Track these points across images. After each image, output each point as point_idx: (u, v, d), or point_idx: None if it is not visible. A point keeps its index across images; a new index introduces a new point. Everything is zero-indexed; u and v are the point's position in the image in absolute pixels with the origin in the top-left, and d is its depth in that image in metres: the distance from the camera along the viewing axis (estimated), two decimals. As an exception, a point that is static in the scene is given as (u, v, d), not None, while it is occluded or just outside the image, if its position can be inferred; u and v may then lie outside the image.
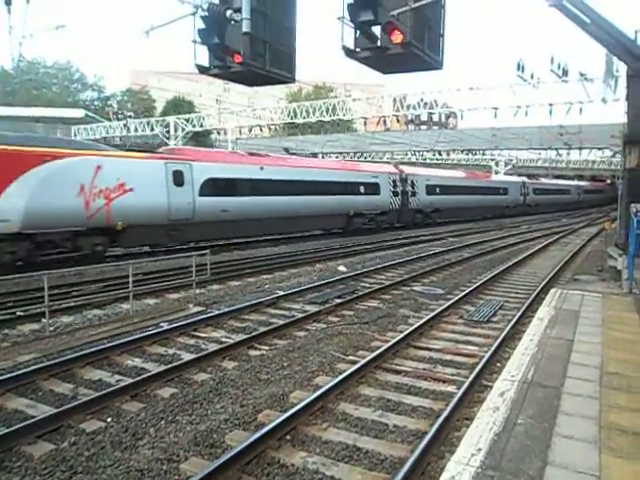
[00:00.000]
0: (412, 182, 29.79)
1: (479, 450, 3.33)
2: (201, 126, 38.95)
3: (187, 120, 39.18)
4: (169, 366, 6.70)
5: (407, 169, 31.60)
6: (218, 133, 45.19)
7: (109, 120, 45.22)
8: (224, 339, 8.16)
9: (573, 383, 4.54)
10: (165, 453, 4.66)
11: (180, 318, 9.26)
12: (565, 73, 22.47)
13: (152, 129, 39.84)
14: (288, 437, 5.00)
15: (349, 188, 24.62)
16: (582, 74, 23.07)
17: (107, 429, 5.10)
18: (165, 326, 8.65)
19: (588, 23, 8.48)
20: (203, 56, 8.50)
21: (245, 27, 7.72)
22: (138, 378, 6.27)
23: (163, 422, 5.30)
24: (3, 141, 13.28)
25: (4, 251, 12.80)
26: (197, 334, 8.46)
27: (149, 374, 6.39)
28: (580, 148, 40.13)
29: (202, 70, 8.60)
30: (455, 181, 35.65)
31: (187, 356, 7.24)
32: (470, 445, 3.41)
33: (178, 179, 16.90)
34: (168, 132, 39.09)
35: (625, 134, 16.31)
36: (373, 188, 26.43)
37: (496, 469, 3.10)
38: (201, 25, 8.02)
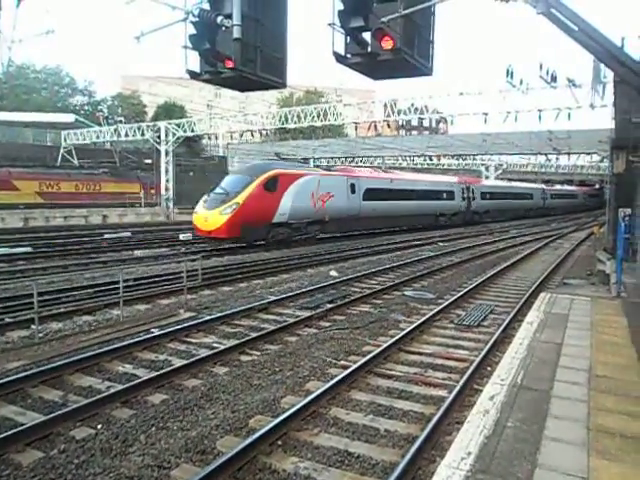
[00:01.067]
0: (472, 190, 37.95)
1: (469, 454, 3.35)
2: (192, 131, 38.85)
3: (178, 125, 39.07)
4: (160, 372, 6.68)
5: (469, 179, 40.56)
6: (209, 138, 45.13)
7: (99, 125, 45.02)
8: (215, 345, 8.14)
9: (562, 386, 4.58)
10: (156, 460, 4.64)
11: (171, 324, 9.23)
12: (554, 79, 22.69)
13: (143, 134, 39.68)
14: (279, 442, 5.00)
15: (438, 195, 33.61)
16: (570, 80, 23.30)
17: (97, 436, 5.07)
18: (156, 332, 8.61)
19: (575, 30, 8.55)
20: (194, 61, 8.49)
21: (236, 33, 7.72)
22: (129, 384, 6.24)
23: (154, 428, 5.27)
24: (276, 167, 22.14)
25: (280, 232, 21.25)
26: (188, 340, 8.43)
27: (140, 380, 6.36)
28: (569, 153, 40.50)
29: (193, 75, 8.58)
30: (498, 189, 44.24)
31: (178, 362, 7.21)
32: (460, 449, 3.43)
33: (353, 189, 25.26)
34: (159, 137, 38.95)
35: (612, 139, 16.53)
36: (450, 195, 35.19)
37: (486, 472, 3.13)
38: (192, 31, 8.01)
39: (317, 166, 35.09)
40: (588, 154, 41.77)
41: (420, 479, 4.42)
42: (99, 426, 5.30)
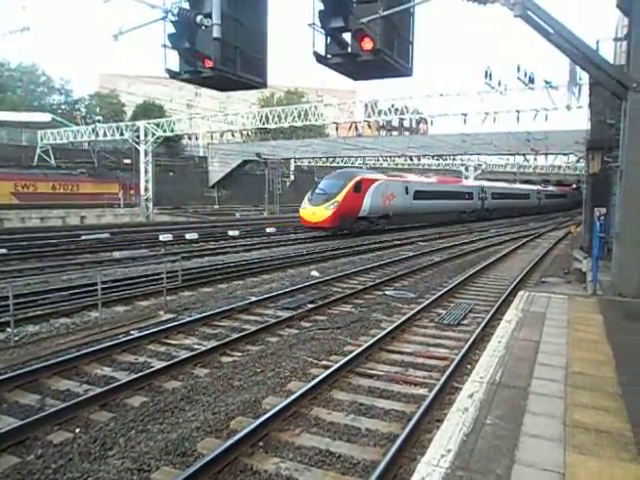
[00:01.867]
0: (485, 191, 44.40)
1: (449, 451, 3.38)
2: (172, 131, 38.52)
3: (157, 125, 38.68)
4: (139, 374, 6.60)
5: (484, 183, 47.43)
6: (189, 138, 44.76)
7: (77, 124, 44.38)
8: (196, 346, 8.08)
9: (539, 383, 4.64)
10: (135, 463, 4.59)
11: (150, 325, 9.13)
12: (531, 81, 23.04)
13: (122, 134, 39.21)
14: (261, 443, 4.98)
15: (462, 196, 40.51)
16: (547, 82, 23.69)
17: (75, 440, 5.00)
18: (135, 334, 8.52)
19: (552, 33, 8.70)
20: (173, 60, 8.43)
21: (215, 32, 7.70)
22: (107, 387, 6.16)
23: (133, 431, 5.21)
24: (359, 173, 29.73)
25: (361, 224, 27.57)
26: (168, 341, 8.35)
27: (119, 383, 6.28)
28: (546, 154, 41.13)
29: (172, 75, 8.53)
30: (505, 190, 50.86)
31: (158, 364, 7.14)
32: (440, 446, 3.45)
33: (407, 191, 32.00)
34: (138, 137, 38.50)
35: (588, 140, 16.86)
36: (470, 196, 41.90)
37: (465, 469, 3.16)
38: (171, 30, 7.95)
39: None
40: (565, 155, 42.46)
41: (401, 477, 4.45)
42: (77, 430, 5.22)
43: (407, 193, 31.98)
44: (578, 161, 41.77)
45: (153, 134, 38.40)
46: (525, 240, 26.41)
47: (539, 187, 61.40)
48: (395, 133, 77.47)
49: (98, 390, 6.11)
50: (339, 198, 25.48)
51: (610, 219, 11.70)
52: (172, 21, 7.88)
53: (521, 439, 3.58)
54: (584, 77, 19.30)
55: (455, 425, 3.77)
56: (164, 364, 7.03)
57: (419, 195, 33.18)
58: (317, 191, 26.89)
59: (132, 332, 8.70)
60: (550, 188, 66.90)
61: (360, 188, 26.98)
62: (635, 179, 8.77)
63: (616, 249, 9.34)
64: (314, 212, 25.46)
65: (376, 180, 29.04)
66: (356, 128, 35.80)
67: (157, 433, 5.20)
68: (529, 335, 6.26)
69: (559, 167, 62.27)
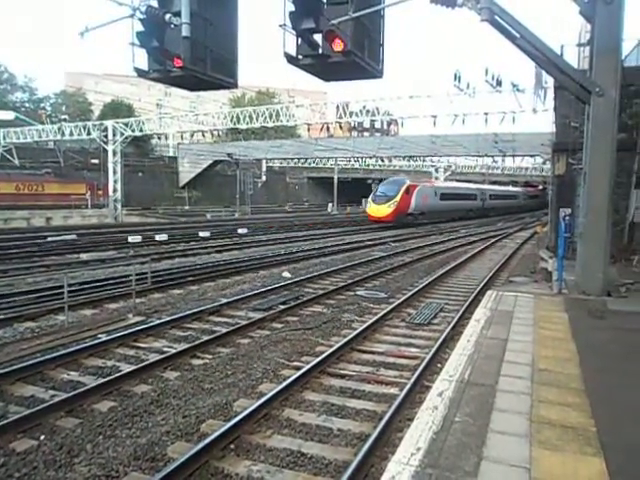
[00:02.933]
0: (484, 192, 52.23)
1: (418, 449, 3.42)
2: (141, 131, 37.89)
3: (126, 124, 38.00)
4: (107, 379, 6.49)
5: (483, 186, 55.48)
6: (159, 138, 44.12)
7: (42, 123, 43.24)
8: (166, 349, 7.96)
9: (507, 381, 4.74)
10: (103, 469, 4.50)
11: (119, 329, 8.96)
12: (499, 84, 23.53)
13: (89, 133, 38.37)
14: (232, 446, 4.95)
15: (470, 197, 48.64)
16: (514, 85, 24.22)
17: (40, 447, 4.87)
18: (103, 337, 8.35)
19: (518, 38, 8.89)
20: (142, 59, 8.29)
21: (185, 31, 7.61)
22: (74, 392, 6.02)
23: (101, 437, 5.11)
24: (407, 181, 37.22)
25: (409, 219, 36.26)
26: (137, 344, 8.22)
27: (86, 388, 6.14)
28: (513, 155, 42.02)
29: (141, 74, 8.39)
30: (498, 192, 58.16)
31: (127, 367, 7.02)
32: (410, 445, 3.49)
33: (435, 193, 40.02)
34: (106, 136, 37.75)
35: (554, 143, 17.28)
36: (474, 197, 49.68)
37: (434, 467, 3.20)
38: (139, 28, 7.82)
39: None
40: (531, 156, 43.44)
41: (373, 477, 4.48)
42: (42, 437, 5.09)
43: (435, 195, 40.47)
44: (544, 163, 42.75)
45: (122, 134, 37.70)
46: (493, 240, 26.91)
47: (522, 189, 69.40)
48: (366, 134, 77.93)
49: (64, 395, 5.96)
50: (397, 199, 34.62)
51: (575, 219, 12.02)
52: (140, 19, 7.75)
53: (489, 436, 3.64)
54: (549, 81, 19.78)
55: (425, 423, 3.82)
56: (133, 368, 6.92)
57: (443, 197, 41.73)
58: (378, 194, 35.93)
59: (100, 336, 8.52)
60: (529, 189, 72.84)
61: (409, 191, 36.03)
62: (598, 181, 9.04)
63: (580, 249, 9.60)
64: (378, 209, 34.85)
65: (417, 185, 37.80)
66: (328, 129, 35.94)
67: (126, 438, 5.10)
68: (497, 333, 6.38)
69: (526, 169, 63.66)
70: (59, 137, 39.54)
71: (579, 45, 14.95)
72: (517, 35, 8.85)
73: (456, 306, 11.07)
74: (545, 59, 9.13)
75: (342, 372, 7.07)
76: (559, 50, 13.56)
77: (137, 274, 10.74)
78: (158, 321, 9.32)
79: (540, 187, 74.89)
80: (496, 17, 8.62)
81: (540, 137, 26.45)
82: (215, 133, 40.10)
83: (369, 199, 36.85)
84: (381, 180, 45.63)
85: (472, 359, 5.34)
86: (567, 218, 10.59)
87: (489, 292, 9.37)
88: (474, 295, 11.63)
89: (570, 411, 4.10)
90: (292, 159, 56.85)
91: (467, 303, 10.85)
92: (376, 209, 34.97)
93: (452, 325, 9.06)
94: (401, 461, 3.28)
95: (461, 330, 7.60)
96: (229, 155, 47.04)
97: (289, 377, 6.52)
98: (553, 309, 7.97)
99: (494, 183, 65.22)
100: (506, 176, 68.34)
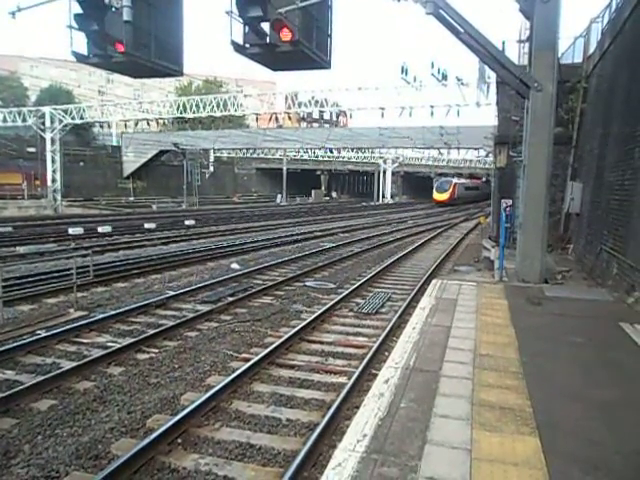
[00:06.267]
0: (481, 186, 70.29)
1: (364, 436, 3.49)
2: (81, 118, 36.35)
3: (65, 111, 36.34)
4: (46, 376, 6.23)
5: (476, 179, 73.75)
6: (101, 126, 42.47)
7: (-28, 109, 40.69)
8: (109, 344, 7.73)
9: (450, 366, 4.90)
10: (43, 470, 4.34)
11: (59, 324, 8.62)
12: (444, 77, 24.03)
13: (24, 120, 36.46)
14: (179, 440, 4.88)
15: (476, 189, 69.16)
16: (459, 79, 24.82)
17: (-27, 450, 4.63)
18: (42, 333, 8.01)
19: (462, 32, 9.11)
20: (82, 43, 7.92)
21: (126, 15, 7.32)
22: (9, 392, 5.75)
23: (40, 437, 4.92)
24: (453, 179, 64.47)
25: (452, 204, 59.52)
26: (79, 340, 7.94)
27: (23, 387, 5.88)
28: (458, 148, 43.14)
29: (80, 58, 8.01)
30: (488, 186, 70.97)
31: (67, 364, 6.77)
32: (356, 432, 3.55)
33: (464, 188, 64.28)
34: (43, 124, 35.98)
35: (496, 136, 17.87)
36: (478, 189, 68.81)
37: (380, 452, 3.27)
38: (77, 9, 7.46)
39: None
40: (476, 149, 44.74)
41: (321, 464, 4.52)
42: (-25, 439, 4.85)
43: (464, 189, 62.53)
44: (487, 155, 44.19)
45: (60, 121, 36.06)
46: (440, 231, 27.63)
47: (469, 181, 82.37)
48: (315, 125, 77.98)
49: (-1, 395, 5.69)
50: (450, 190, 58.73)
51: (515, 210, 12.50)
52: (78, 0, 7.41)
53: (432, 420, 3.76)
54: (492, 75, 20.39)
55: (371, 410, 3.89)
56: (74, 364, 6.68)
57: (466, 189, 63.75)
58: (438, 187, 60.04)
59: (39, 332, 8.17)
60: (474, 181, 78.26)
61: (455, 186, 59.22)
62: (536, 173, 9.43)
63: (519, 238, 10.01)
64: (440, 196, 59.02)
65: (457, 183, 60.50)
66: (276, 119, 35.67)
67: (67, 437, 4.93)
68: (441, 321, 6.57)
69: (470, 161, 65.60)
70: (-8, 124, 37.42)
71: (519, 41, 15.50)
72: (461, 30, 9.07)
73: (403, 295, 11.30)
74: (487, 54, 9.40)
75: (291, 363, 7.10)
76: (501, 46, 14.03)
77: (79, 267, 10.34)
78: (101, 315, 9.03)
79: (483, 179, 78.08)
80: (441, 11, 8.80)
81: (483, 130, 27.26)
82: (161, 122, 39.15)
83: (434, 189, 60.61)
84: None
85: (417, 346, 5.48)
86: (508, 209, 11.00)
87: (434, 281, 9.63)
88: (420, 284, 11.90)
89: (509, 393, 4.29)
90: (240, 149, 56.13)
91: (414, 292, 11.11)
92: (439, 196, 59.27)
93: (399, 314, 9.25)
94: (348, 448, 3.33)
95: (408, 318, 7.77)
96: (175, 145, 45.87)
97: (237, 369, 6.49)
98: (494, 296, 8.29)
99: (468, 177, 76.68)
100: (451, 168, 70.09)
